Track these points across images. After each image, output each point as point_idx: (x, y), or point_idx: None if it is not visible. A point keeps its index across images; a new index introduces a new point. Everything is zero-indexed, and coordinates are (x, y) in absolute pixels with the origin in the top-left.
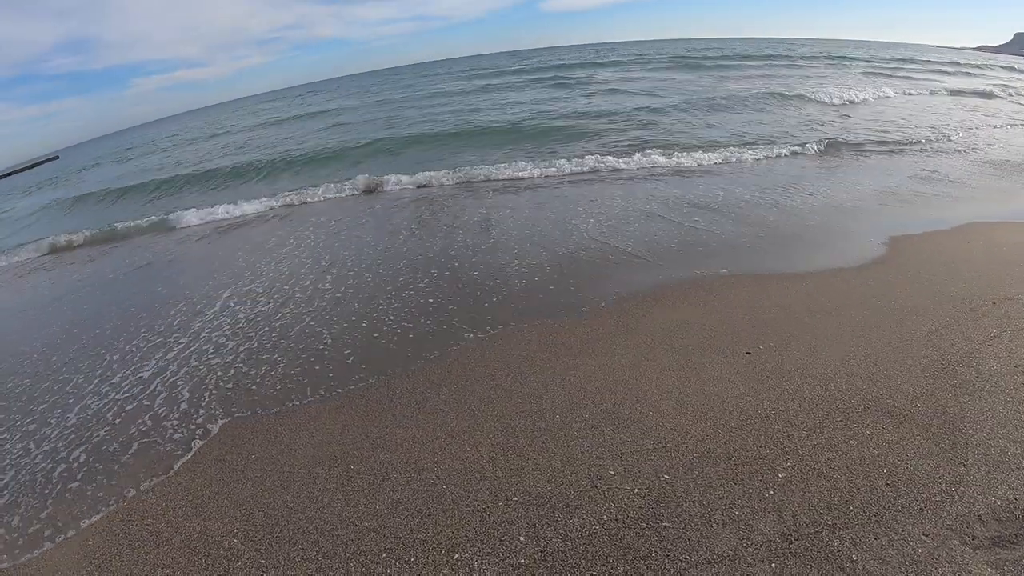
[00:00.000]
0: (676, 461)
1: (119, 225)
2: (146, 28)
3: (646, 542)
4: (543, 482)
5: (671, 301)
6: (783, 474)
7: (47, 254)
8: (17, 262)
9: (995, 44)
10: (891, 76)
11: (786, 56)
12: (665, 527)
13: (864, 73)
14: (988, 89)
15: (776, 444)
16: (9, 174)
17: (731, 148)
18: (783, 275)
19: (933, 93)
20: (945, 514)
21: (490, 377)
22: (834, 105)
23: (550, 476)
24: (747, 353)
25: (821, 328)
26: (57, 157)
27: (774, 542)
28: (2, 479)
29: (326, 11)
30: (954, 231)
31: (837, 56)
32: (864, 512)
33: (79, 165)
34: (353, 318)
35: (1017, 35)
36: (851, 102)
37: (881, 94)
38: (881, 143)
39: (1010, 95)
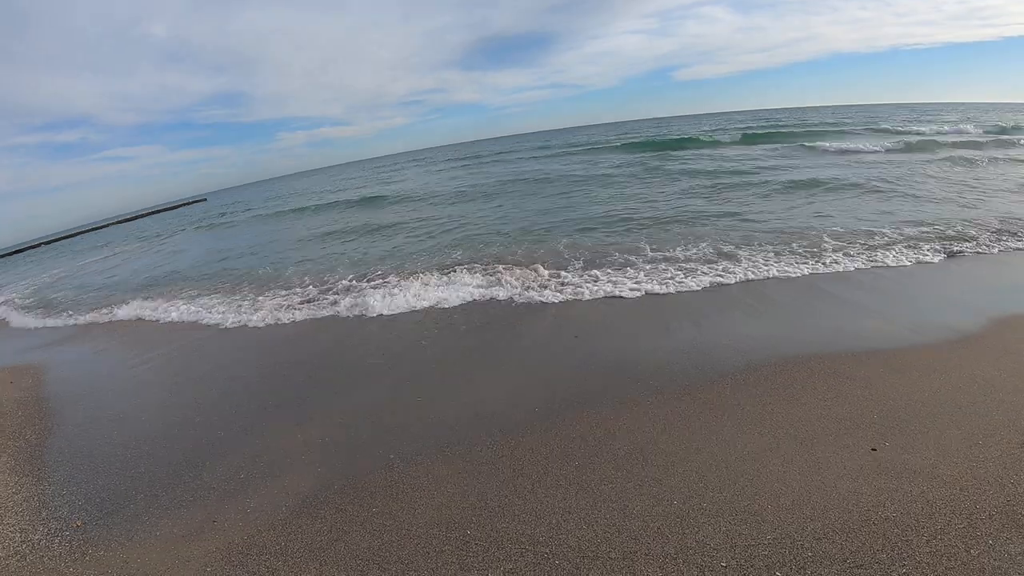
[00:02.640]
0: (790, 559)
1: None
2: (294, 87)
3: None
4: (654, 568)
5: (799, 383)
6: None
7: None
8: None
9: None
10: None
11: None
12: None
13: None
14: None
15: (894, 549)
16: (160, 211)
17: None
18: (917, 363)
19: None
20: None
21: (612, 455)
22: None
23: (662, 563)
24: (872, 449)
25: (954, 425)
26: (205, 199)
27: None
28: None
29: (465, 77)
30: None
31: None
32: None
33: (220, 209)
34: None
35: None
36: None
37: None
38: None
39: None
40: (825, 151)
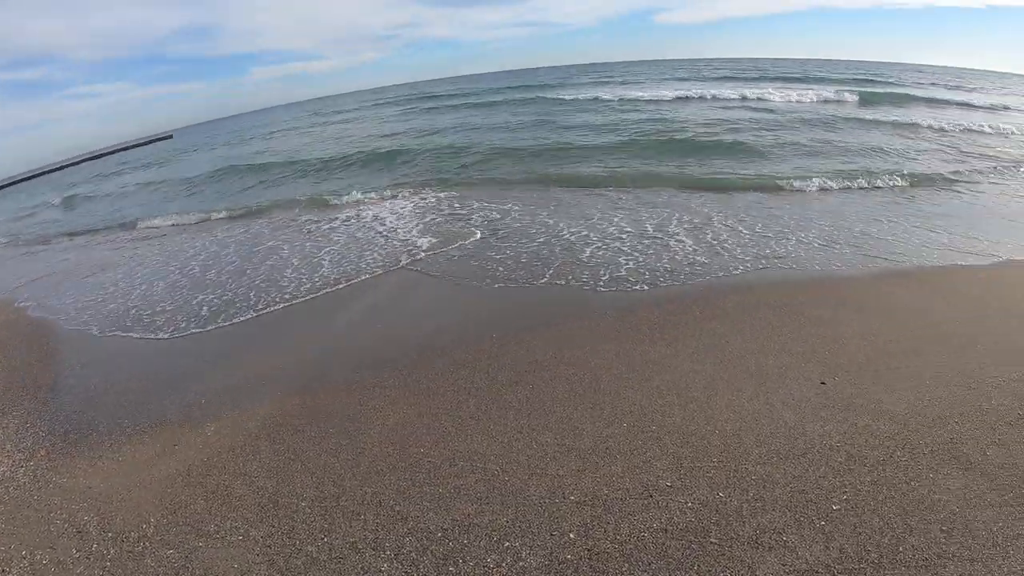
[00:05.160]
0: (734, 481)
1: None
2: (266, 20)
3: (690, 555)
4: (601, 485)
5: (758, 320)
6: (838, 507)
7: None
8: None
9: None
10: None
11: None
12: (712, 543)
13: None
14: None
15: (836, 476)
16: (122, 149)
17: None
18: (874, 304)
19: None
20: (997, 568)
21: (566, 380)
22: None
23: (609, 480)
24: (822, 383)
25: (904, 364)
26: (171, 136)
27: (817, 572)
28: None
29: (439, 12)
30: None
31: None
32: (913, 555)
33: (186, 147)
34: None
35: None
36: None
37: None
38: None
39: None
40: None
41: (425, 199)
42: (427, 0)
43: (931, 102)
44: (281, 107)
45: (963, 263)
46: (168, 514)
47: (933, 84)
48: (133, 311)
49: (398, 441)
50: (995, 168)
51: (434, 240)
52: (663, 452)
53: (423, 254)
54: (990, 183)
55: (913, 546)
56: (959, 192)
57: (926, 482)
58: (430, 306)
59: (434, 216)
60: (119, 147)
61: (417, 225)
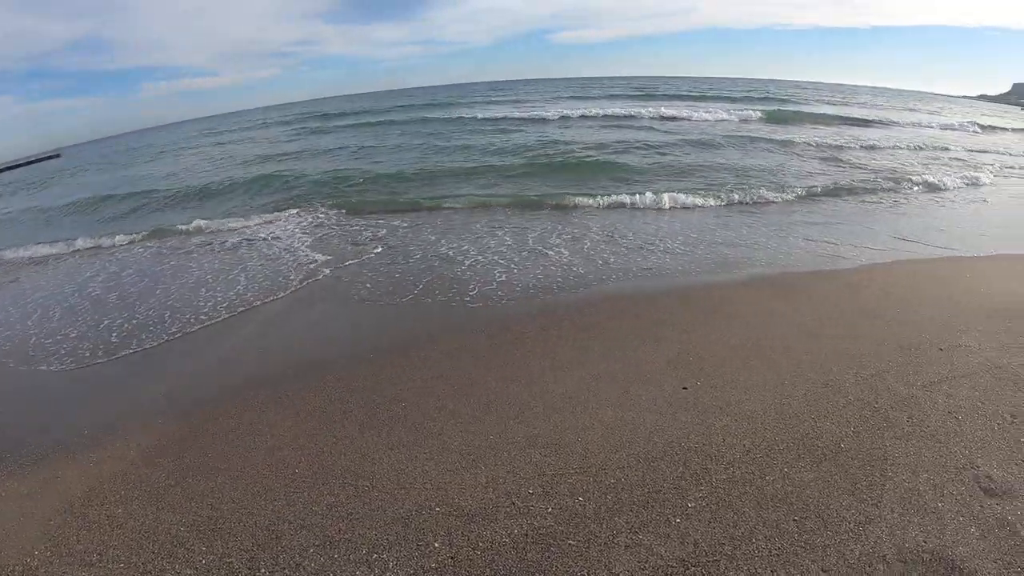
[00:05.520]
0: (593, 486)
1: None
2: (160, 34)
3: (549, 558)
4: (465, 496)
5: (624, 328)
6: (693, 504)
7: None
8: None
9: (994, 93)
10: None
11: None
12: (570, 545)
13: None
14: None
15: (692, 476)
16: (4, 169)
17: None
18: (741, 311)
19: None
20: (848, 552)
21: (437, 396)
22: None
23: (473, 491)
24: (684, 388)
25: (765, 367)
26: (59, 155)
27: (671, 567)
28: None
29: (336, 29)
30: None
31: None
32: (766, 546)
33: (74, 167)
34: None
35: (1016, 85)
36: None
37: None
38: None
39: None
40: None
41: (310, 220)
42: (325, 17)
43: (816, 118)
44: (175, 124)
45: (827, 268)
46: (52, 547)
47: (818, 100)
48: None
49: (275, 462)
50: (873, 180)
51: (320, 259)
52: (527, 462)
53: (308, 274)
54: (859, 195)
55: (766, 537)
56: (828, 203)
57: (781, 476)
58: (313, 325)
59: (322, 235)
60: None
61: (302, 245)
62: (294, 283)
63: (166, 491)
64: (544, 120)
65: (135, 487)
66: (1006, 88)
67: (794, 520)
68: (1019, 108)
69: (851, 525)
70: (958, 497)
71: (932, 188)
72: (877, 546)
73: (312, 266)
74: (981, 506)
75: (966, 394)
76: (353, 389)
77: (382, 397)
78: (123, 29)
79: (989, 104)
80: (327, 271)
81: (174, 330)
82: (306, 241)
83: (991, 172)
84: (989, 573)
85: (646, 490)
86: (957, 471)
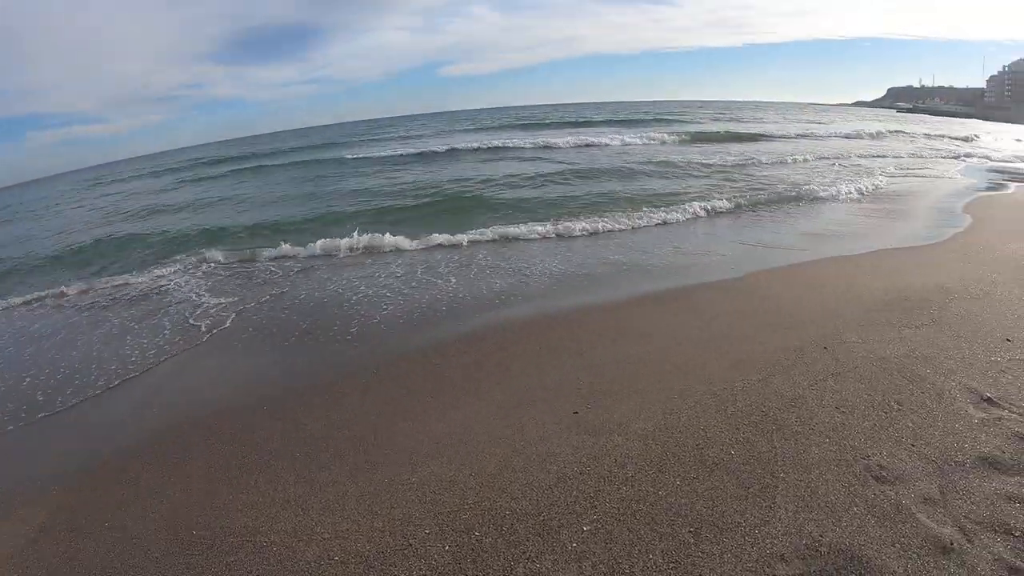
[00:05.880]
0: (488, 519)
1: None
2: (45, 80)
3: None
4: (363, 542)
5: (512, 354)
6: (588, 527)
7: None
8: None
9: (870, 99)
10: None
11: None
12: None
13: None
14: None
15: (586, 499)
16: None
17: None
18: (628, 329)
19: None
20: (746, 556)
21: (332, 445)
22: None
23: (371, 536)
24: (575, 412)
25: (654, 385)
26: None
27: None
28: None
29: (224, 71)
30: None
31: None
32: (663, 559)
33: None
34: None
35: (890, 89)
36: None
37: None
38: None
39: None
40: None
41: (193, 271)
42: (211, 58)
43: (709, 136)
44: (62, 175)
45: (714, 279)
46: None
47: (706, 119)
48: None
49: (170, 526)
50: (766, 191)
51: (213, 304)
52: (422, 501)
53: (193, 327)
54: (755, 209)
55: (663, 551)
56: (724, 219)
57: (674, 490)
58: (205, 378)
59: (212, 283)
60: None
61: (193, 298)
62: (179, 337)
63: (64, 565)
64: (431, 153)
65: (33, 565)
66: (881, 93)
67: (689, 531)
68: (894, 111)
69: (747, 529)
70: (851, 488)
71: (817, 197)
72: (774, 546)
73: (202, 320)
74: (874, 494)
75: (852, 387)
76: (244, 444)
77: (277, 450)
78: (3, 75)
79: (866, 108)
80: (208, 321)
81: (72, 388)
82: (198, 288)
83: (881, 175)
84: (889, 557)
85: (541, 518)
86: (848, 464)
